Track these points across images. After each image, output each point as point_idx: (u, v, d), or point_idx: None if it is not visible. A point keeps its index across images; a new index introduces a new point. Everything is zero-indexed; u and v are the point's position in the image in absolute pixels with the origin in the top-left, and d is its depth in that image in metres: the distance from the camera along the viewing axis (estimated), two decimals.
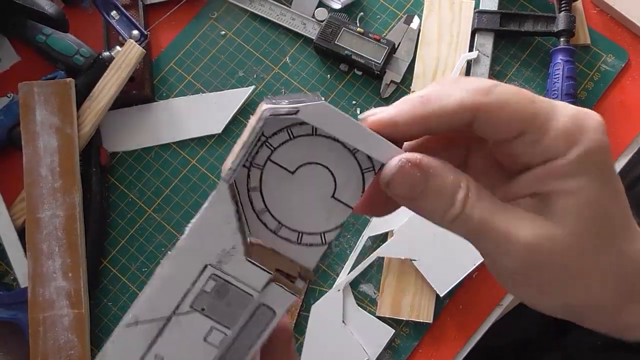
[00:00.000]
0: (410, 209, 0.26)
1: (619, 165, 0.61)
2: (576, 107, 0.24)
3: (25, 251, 0.57)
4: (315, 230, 0.27)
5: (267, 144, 0.26)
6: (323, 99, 0.25)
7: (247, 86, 0.64)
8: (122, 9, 0.63)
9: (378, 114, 0.26)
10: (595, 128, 0.23)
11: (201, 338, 0.25)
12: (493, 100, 0.24)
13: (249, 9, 0.66)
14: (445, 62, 0.63)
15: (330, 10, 0.65)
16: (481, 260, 0.56)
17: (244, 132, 0.26)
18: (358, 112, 0.63)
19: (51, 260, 0.55)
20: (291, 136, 0.26)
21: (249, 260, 0.25)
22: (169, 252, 0.25)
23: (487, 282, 0.58)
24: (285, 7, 0.65)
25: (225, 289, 0.25)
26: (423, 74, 0.63)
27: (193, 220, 0.25)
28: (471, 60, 0.62)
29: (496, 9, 0.63)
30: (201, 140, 0.63)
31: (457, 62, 0.62)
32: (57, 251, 0.56)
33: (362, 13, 0.66)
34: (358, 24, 0.65)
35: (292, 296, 0.26)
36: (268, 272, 0.25)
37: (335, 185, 0.27)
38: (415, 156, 0.24)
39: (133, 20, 0.63)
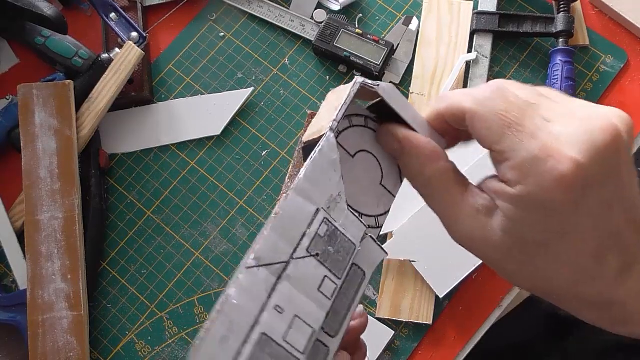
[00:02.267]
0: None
1: None
2: (550, 147, 0.25)
3: (24, 253, 0.57)
4: (371, 213, 0.29)
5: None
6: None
7: (246, 88, 0.64)
8: (121, 10, 0.63)
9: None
10: (549, 174, 0.24)
11: (316, 288, 0.25)
12: (477, 111, 0.27)
13: (247, 10, 0.66)
14: (444, 63, 0.63)
15: (329, 11, 0.65)
16: (481, 261, 0.56)
17: (329, 102, 0.29)
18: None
19: (50, 262, 0.55)
20: (350, 124, 0.28)
21: (349, 210, 0.27)
22: (284, 194, 0.26)
23: (486, 284, 0.58)
24: (284, 8, 0.65)
25: (335, 235, 0.26)
26: (422, 75, 0.63)
27: (307, 163, 0.26)
28: (470, 62, 0.62)
29: (495, 10, 0.63)
30: (200, 142, 0.63)
31: (456, 63, 0.62)
32: (56, 253, 0.56)
33: (360, 14, 0.66)
34: (357, 26, 0.65)
35: (383, 254, 0.28)
36: (364, 225, 0.27)
37: (382, 173, 0.29)
38: (397, 130, 0.29)
39: (132, 22, 0.63)
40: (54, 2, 0.65)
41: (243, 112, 0.63)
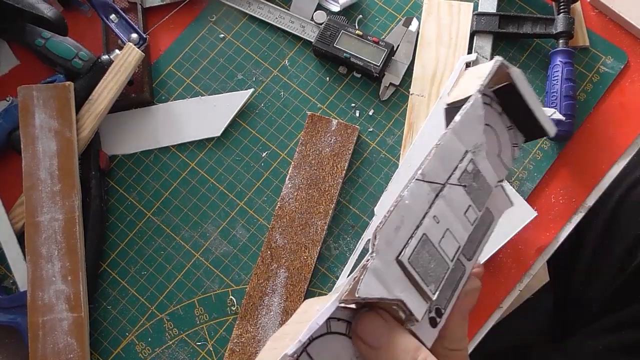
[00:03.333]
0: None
1: (619, 167, 0.61)
2: None
3: (24, 255, 0.57)
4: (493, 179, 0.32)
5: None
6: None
7: (246, 89, 0.64)
8: (121, 12, 0.63)
9: None
10: None
11: (462, 212, 0.29)
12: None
13: (247, 11, 0.66)
14: (444, 64, 0.63)
15: (329, 13, 0.65)
16: (480, 262, 0.56)
17: (467, 75, 0.34)
18: (357, 114, 0.63)
19: (50, 264, 0.55)
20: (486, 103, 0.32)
21: (486, 159, 0.31)
22: (446, 131, 0.30)
23: (487, 285, 0.58)
24: (284, 9, 0.65)
25: (478, 175, 0.31)
26: (422, 76, 0.63)
27: (460, 113, 0.30)
28: (470, 63, 0.62)
29: (495, 11, 0.63)
30: (200, 143, 0.63)
31: (456, 64, 0.62)
32: (57, 254, 0.56)
33: (360, 16, 0.66)
34: (357, 27, 0.65)
35: (509, 203, 0.32)
36: (496, 175, 0.32)
37: (500, 147, 0.33)
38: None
39: (132, 23, 0.63)
40: (54, 3, 0.65)
41: (243, 114, 0.63)
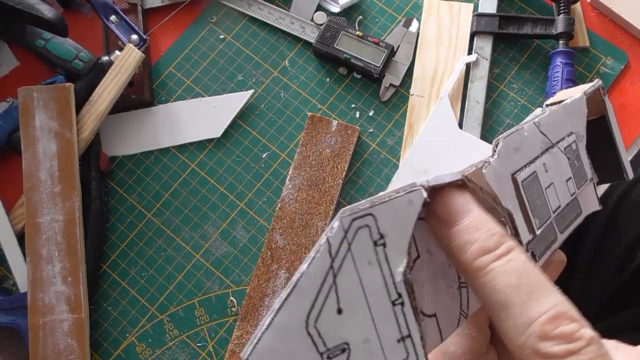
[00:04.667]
0: None
1: None
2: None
3: (24, 256, 0.57)
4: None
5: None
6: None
7: (246, 90, 0.64)
8: (121, 13, 0.63)
9: None
10: None
11: (565, 179, 0.28)
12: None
13: (247, 12, 0.66)
14: (445, 65, 0.63)
15: (329, 13, 0.65)
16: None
17: (569, 90, 0.33)
18: (357, 115, 0.63)
19: (51, 265, 0.55)
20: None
21: (585, 152, 0.30)
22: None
23: None
24: (284, 10, 0.65)
25: (579, 158, 0.29)
26: (422, 77, 0.63)
27: (570, 99, 0.29)
28: (470, 63, 0.62)
29: (495, 12, 0.63)
30: (200, 144, 0.63)
31: (456, 65, 0.62)
32: (57, 256, 0.56)
33: (360, 16, 0.66)
34: (357, 28, 0.65)
35: (597, 205, 0.31)
36: (593, 174, 0.30)
37: (574, 173, 0.31)
38: None
39: (132, 24, 0.63)
40: (54, 4, 0.65)
41: (243, 115, 0.63)
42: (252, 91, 0.63)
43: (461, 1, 0.65)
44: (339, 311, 0.17)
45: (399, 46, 0.64)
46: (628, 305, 0.65)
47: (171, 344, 0.58)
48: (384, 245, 0.18)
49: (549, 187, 0.26)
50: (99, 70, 0.60)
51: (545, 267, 0.28)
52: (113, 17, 0.63)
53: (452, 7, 0.64)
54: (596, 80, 0.32)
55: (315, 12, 0.64)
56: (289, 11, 0.65)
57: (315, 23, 0.64)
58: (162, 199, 0.61)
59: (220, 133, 0.62)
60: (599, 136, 0.32)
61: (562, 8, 0.61)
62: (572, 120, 0.29)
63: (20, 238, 0.58)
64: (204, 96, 0.64)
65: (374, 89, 0.64)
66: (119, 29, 0.63)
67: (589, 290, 0.70)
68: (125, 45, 0.61)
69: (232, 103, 0.63)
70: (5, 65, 0.66)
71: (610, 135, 0.31)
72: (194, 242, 0.60)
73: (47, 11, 0.58)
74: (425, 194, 0.19)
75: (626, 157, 0.33)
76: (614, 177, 0.33)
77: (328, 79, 0.64)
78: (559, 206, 0.27)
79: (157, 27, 0.66)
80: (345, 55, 0.62)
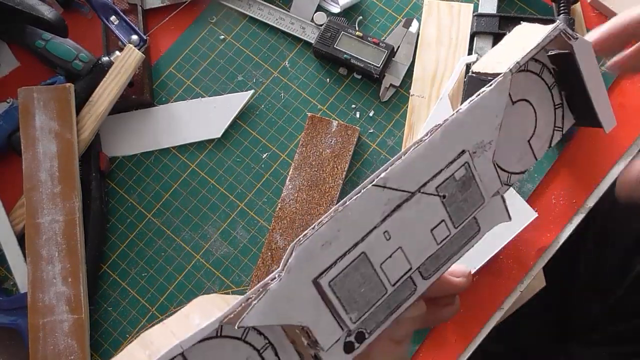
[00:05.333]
0: None
1: (619, 168, 0.60)
2: None
3: (24, 256, 0.57)
4: (507, 168, 0.26)
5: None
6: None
7: (246, 90, 0.64)
8: (121, 13, 0.63)
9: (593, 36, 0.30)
10: None
11: (430, 228, 0.24)
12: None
13: (247, 13, 0.66)
14: (445, 65, 0.63)
15: (329, 14, 0.65)
16: (481, 263, 0.56)
17: (515, 36, 0.26)
18: (357, 115, 0.63)
19: (51, 266, 0.55)
20: (525, 68, 0.26)
21: (493, 163, 0.25)
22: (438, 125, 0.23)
23: (487, 286, 0.58)
24: (284, 11, 0.65)
25: (468, 184, 0.24)
26: (422, 78, 0.63)
27: (473, 98, 0.24)
28: (470, 64, 0.62)
29: (495, 12, 0.63)
30: (201, 145, 0.63)
31: (456, 66, 0.62)
32: (57, 256, 0.56)
33: (361, 17, 0.66)
34: (357, 28, 0.65)
35: (506, 217, 0.26)
36: (501, 182, 0.25)
37: (534, 131, 0.27)
38: None
39: (132, 25, 0.63)
40: (54, 5, 0.65)
41: (243, 115, 0.63)
42: (252, 91, 0.63)
43: (461, 1, 0.65)
44: None
45: (399, 46, 0.64)
46: (629, 317, 0.65)
47: None
48: None
49: (390, 257, 0.23)
50: (99, 71, 0.60)
51: (399, 321, 0.25)
52: (113, 18, 0.63)
53: (452, 8, 0.64)
54: (555, 24, 0.26)
55: (315, 13, 0.64)
56: (289, 12, 0.65)
57: (315, 23, 0.64)
58: (162, 199, 0.61)
59: (221, 133, 0.62)
60: (572, 74, 0.27)
61: (562, 8, 0.61)
62: (471, 132, 0.24)
63: (21, 238, 0.58)
64: (204, 96, 0.64)
65: (374, 90, 0.64)
66: (119, 30, 0.63)
67: (588, 293, 0.70)
68: (125, 45, 0.61)
69: (232, 103, 0.63)
70: (5, 66, 0.66)
71: (581, 77, 0.26)
72: (194, 242, 0.60)
73: (47, 12, 0.58)
74: None
75: (605, 104, 0.27)
76: (590, 122, 0.28)
77: (328, 80, 0.64)
78: (410, 268, 0.24)
79: (157, 27, 0.66)
80: (345, 55, 0.62)
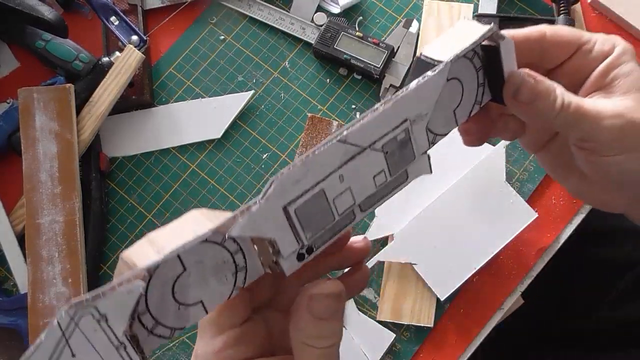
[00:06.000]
0: (524, 114, 0.35)
1: None
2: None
3: (25, 257, 0.57)
4: (434, 130, 0.33)
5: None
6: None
7: (246, 91, 0.64)
8: (122, 14, 0.63)
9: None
10: (619, 39, 0.35)
11: (372, 175, 0.31)
12: (553, 29, 0.35)
13: (248, 13, 0.66)
14: None
15: (329, 14, 0.65)
16: (481, 264, 0.56)
17: (459, 29, 0.33)
18: (357, 115, 0.63)
19: (51, 266, 0.55)
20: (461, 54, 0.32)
21: (427, 129, 0.32)
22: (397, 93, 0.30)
23: (488, 286, 0.58)
24: (284, 11, 0.65)
25: (406, 144, 0.31)
26: None
27: (419, 80, 0.30)
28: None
29: (495, 13, 0.63)
30: (201, 145, 0.63)
31: None
32: (57, 257, 0.56)
33: (361, 17, 0.66)
34: (357, 28, 0.65)
35: (428, 170, 0.33)
36: (430, 144, 0.33)
37: (460, 103, 0.34)
38: (526, 70, 0.33)
39: (132, 25, 0.63)
40: (55, 5, 0.65)
41: (243, 115, 0.63)
42: (252, 92, 0.63)
43: (461, 2, 0.65)
44: (73, 355, 0.24)
45: (399, 47, 0.64)
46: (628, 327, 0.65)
47: (171, 345, 0.58)
48: (106, 319, 0.24)
49: (341, 194, 0.30)
50: (99, 71, 0.60)
51: (313, 298, 0.30)
52: (113, 18, 0.63)
53: (452, 8, 0.64)
54: (490, 26, 0.32)
55: (315, 13, 0.64)
56: (289, 12, 0.65)
57: (315, 24, 0.64)
58: (163, 199, 0.61)
59: (221, 134, 0.62)
60: (495, 64, 0.34)
61: (562, 9, 0.61)
62: (414, 106, 0.31)
63: (21, 239, 0.58)
64: (204, 97, 0.64)
65: (374, 90, 0.64)
66: (119, 30, 0.63)
67: (584, 298, 0.70)
68: (125, 46, 0.61)
69: (232, 104, 0.63)
70: (5, 66, 0.66)
71: (501, 66, 0.33)
72: None
73: (47, 12, 0.58)
74: (141, 288, 0.25)
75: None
76: (502, 101, 0.35)
77: (328, 80, 0.64)
78: (354, 202, 0.31)
79: (157, 28, 0.66)
80: (345, 56, 0.62)
